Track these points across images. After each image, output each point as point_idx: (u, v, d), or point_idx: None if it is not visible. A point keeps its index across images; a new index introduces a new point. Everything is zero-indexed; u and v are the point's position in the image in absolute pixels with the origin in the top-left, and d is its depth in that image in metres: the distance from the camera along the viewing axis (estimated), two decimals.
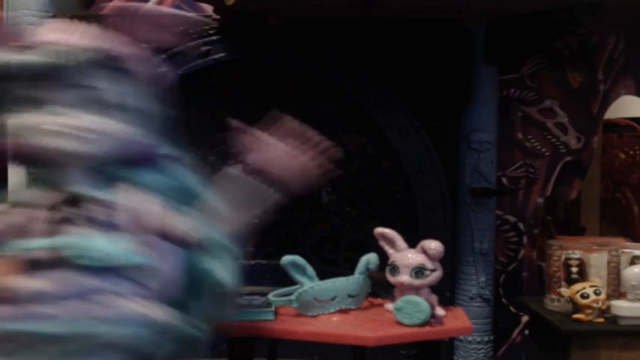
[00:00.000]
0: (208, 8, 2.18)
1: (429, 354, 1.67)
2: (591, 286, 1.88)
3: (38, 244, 0.52)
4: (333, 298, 1.59)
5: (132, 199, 0.53)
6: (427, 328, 1.55)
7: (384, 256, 1.63)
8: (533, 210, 2.36)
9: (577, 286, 1.89)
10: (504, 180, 2.35)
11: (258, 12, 2.08)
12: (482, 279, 2.24)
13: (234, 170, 0.59)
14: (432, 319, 1.56)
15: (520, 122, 2.37)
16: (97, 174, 0.54)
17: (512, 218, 2.36)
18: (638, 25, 2.36)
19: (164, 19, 0.57)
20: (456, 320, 1.65)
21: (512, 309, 2.36)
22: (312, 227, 2.35)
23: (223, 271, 0.56)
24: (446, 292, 2.18)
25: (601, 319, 1.88)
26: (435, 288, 1.62)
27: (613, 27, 2.36)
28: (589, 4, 2.26)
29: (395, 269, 1.59)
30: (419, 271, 1.57)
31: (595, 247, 2.00)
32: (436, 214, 2.23)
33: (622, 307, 1.85)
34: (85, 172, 0.53)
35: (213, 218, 0.57)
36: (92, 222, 0.52)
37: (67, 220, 0.53)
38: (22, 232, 0.52)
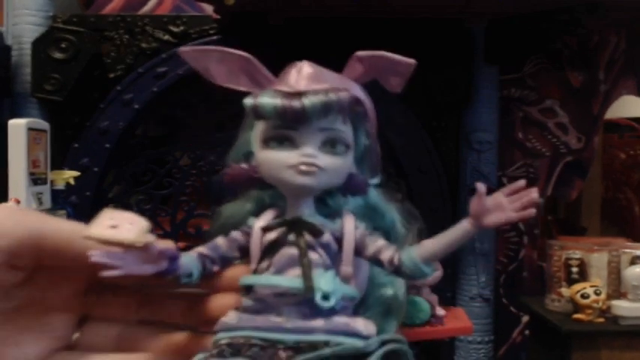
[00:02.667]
0: (208, 8, 2.18)
1: (429, 354, 1.67)
2: (592, 286, 1.88)
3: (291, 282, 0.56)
4: None
5: (352, 227, 0.58)
6: (427, 328, 1.55)
7: None
8: None
9: (577, 286, 1.89)
10: (505, 180, 2.35)
11: (258, 12, 2.08)
12: (483, 279, 2.24)
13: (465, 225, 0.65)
14: (432, 319, 1.56)
15: (520, 122, 2.37)
16: (319, 202, 0.58)
17: None
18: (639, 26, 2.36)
19: (403, 67, 0.62)
20: (457, 320, 1.65)
21: (512, 309, 2.36)
22: None
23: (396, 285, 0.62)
24: (446, 292, 2.18)
25: (601, 320, 1.88)
26: (435, 288, 1.62)
27: (614, 27, 2.36)
28: (589, 4, 2.25)
29: None
30: None
31: (596, 248, 2.00)
32: (436, 214, 2.23)
33: (623, 307, 1.85)
34: (310, 200, 0.58)
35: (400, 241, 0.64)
36: (326, 251, 0.56)
37: (304, 248, 0.57)
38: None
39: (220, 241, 0.56)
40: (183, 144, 2.27)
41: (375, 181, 0.62)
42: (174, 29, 2.18)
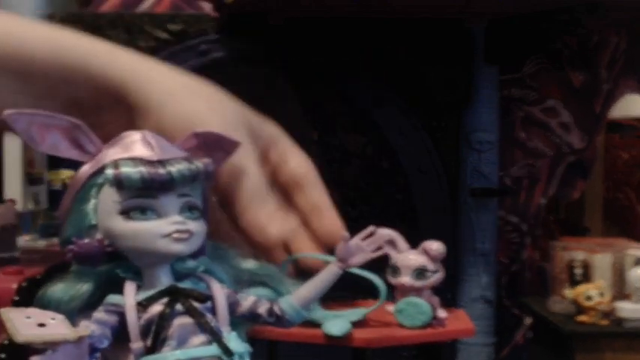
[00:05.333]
0: (208, 6, 2.18)
1: (430, 356, 1.65)
2: (595, 288, 1.86)
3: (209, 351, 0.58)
4: None
5: (219, 288, 0.60)
6: (428, 330, 1.53)
7: (384, 257, 1.61)
8: (535, 210, 2.35)
9: (581, 288, 1.88)
10: (506, 180, 2.34)
11: (258, 12, 2.07)
12: (485, 280, 2.23)
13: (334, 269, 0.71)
14: (434, 321, 1.54)
15: (522, 122, 2.36)
16: (173, 267, 0.60)
17: (514, 219, 2.34)
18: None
19: (230, 145, 0.67)
20: (458, 322, 1.63)
21: (514, 310, 2.35)
22: None
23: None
24: (447, 293, 2.16)
25: (605, 321, 1.86)
26: (436, 289, 1.61)
27: (614, 27, 2.35)
28: (589, 4, 2.25)
29: (396, 270, 1.57)
30: (420, 272, 1.55)
31: (599, 249, 1.98)
32: (437, 215, 2.22)
33: (626, 309, 1.84)
34: (167, 267, 0.59)
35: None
36: (212, 314, 0.58)
37: (199, 315, 0.59)
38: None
39: (91, 326, 0.56)
40: None
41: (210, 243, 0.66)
42: (173, 28, 2.17)
